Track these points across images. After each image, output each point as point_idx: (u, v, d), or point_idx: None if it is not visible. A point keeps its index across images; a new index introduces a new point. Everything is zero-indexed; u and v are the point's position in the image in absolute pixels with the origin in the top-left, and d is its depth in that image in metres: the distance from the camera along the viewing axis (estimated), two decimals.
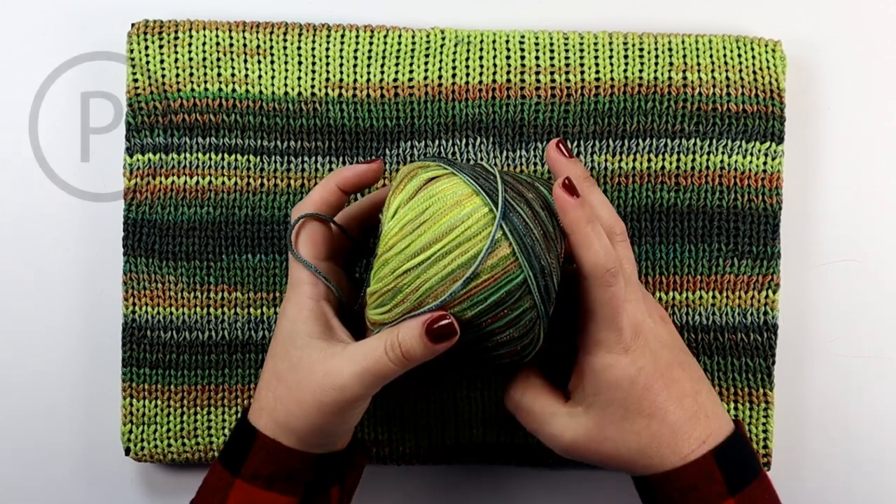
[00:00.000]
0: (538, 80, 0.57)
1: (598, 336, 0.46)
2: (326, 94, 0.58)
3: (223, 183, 0.57)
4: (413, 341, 0.43)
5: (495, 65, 0.57)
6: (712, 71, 0.57)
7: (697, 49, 0.57)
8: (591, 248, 0.45)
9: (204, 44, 0.57)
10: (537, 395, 0.49)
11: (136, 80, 0.57)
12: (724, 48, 0.57)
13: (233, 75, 0.57)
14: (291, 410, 0.46)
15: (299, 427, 0.46)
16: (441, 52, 0.58)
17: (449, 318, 0.43)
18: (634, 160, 0.57)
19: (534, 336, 0.45)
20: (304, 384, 0.45)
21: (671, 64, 0.57)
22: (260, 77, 0.57)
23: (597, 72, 0.57)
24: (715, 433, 0.47)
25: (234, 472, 0.46)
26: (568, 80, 0.57)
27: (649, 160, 0.57)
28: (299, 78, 0.58)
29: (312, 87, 0.58)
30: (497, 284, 0.42)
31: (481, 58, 0.57)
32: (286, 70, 0.58)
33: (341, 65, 0.58)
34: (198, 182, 0.57)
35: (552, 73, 0.57)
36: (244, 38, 0.58)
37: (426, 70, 0.57)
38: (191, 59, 0.57)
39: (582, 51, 0.57)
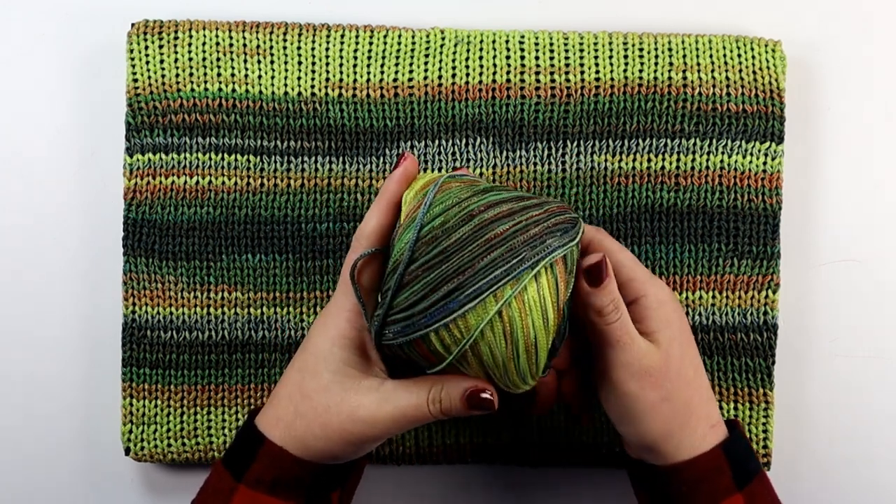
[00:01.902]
0: (538, 80, 0.57)
1: (637, 275, 0.48)
2: (326, 94, 0.58)
3: (223, 183, 0.57)
4: (454, 402, 0.45)
5: (495, 65, 0.57)
6: (712, 71, 0.57)
7: (697, 49, 0.57)
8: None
9: (204, 44, 0.57)
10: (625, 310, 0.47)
11: (136, 80, 0.57)
12: (724, 48, 0.57)
13: (233, 75, 0.57)
14: (313, 430, 0.46)
15: (315, 446, 0.46)
16: (441, 52, 0.58)
17: (491, 393, 0.44)
18: (634, 160, 0.57)
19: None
20: (332, 410, 0.46)
21: (671, 64, 0.57)
22: (260, 77, 0.57)
23: (597, 72, 0.57)
24: (721, 425, 0.48)
25: (237, 477, 0.46)
26: (568, 80, 0.57)
27: (649, 160, 0.57)
28: (299, 78, 0.58)
29: (312, 87, 0.58)
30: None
31: (481, 58, 0.57)
32: (286, 70, 0.58)
33: (341, 65, 0.58)
34: (198, 182, 0.57)
35: (552, 73, 0.57)
36: (244, 38, 0.58)
37: (426, 70, 0.57)
38: (191, 59, 0.57)
39: (582, 51, 0.57)
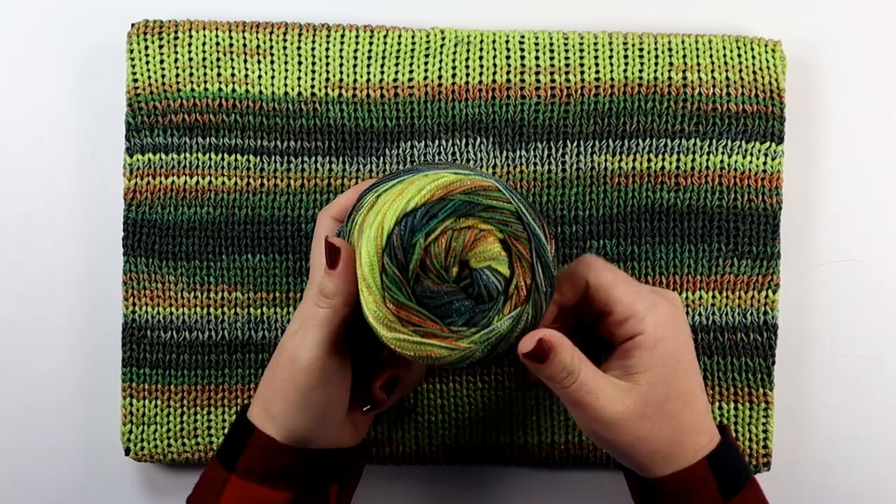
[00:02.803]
0: (538, 80, 0.57)
1: (635, 310, 0.45)
2: (326, 94, 0.58)
3: (223, 183, 0.57)
4: (321, 277, 0.44)
5: (495, 65, 0.57)
6: (712, 71, 0.57)
7: (697, 49, 0.57)
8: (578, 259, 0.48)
9: (204, 44, 0.57)
10: (587, 362, 0.45)
11: (136, 80, 0.57)
12: (724, 48, 0.57)
13: (233, 75, 0.57)
14: (269, 396, 0.47)
15: (276, 413, 0.46)
16: (441, 52, 0.58)
17: (335, 242, 0.43)
18: (634, 160, 0.57)
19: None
20: (276, 369, 0.46)
21: (671, 64, 0.57)
22: (260, 77, 0.57)
23: (597, 72, 0.57)
24: (714, 440, 0.47)
25: (229, 468, 0.46)
26: (568, 80, 0.57)
27: (649, 160, 0.57)
28: (299, 78, 0.58)
29: (312, 87, 0.58)
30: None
31: (481, 58, 0.57)
32: (286, 70, 0.58)
33: (341, 65, 0.58)
34: (198, 182, 0.57)
35: (552, 73, 0.57)
36: (244, 38, 0.58)
37: (426, 70, 0.57)
38: (191, 59, 0.57)
39: (582, 51, 0.58)
